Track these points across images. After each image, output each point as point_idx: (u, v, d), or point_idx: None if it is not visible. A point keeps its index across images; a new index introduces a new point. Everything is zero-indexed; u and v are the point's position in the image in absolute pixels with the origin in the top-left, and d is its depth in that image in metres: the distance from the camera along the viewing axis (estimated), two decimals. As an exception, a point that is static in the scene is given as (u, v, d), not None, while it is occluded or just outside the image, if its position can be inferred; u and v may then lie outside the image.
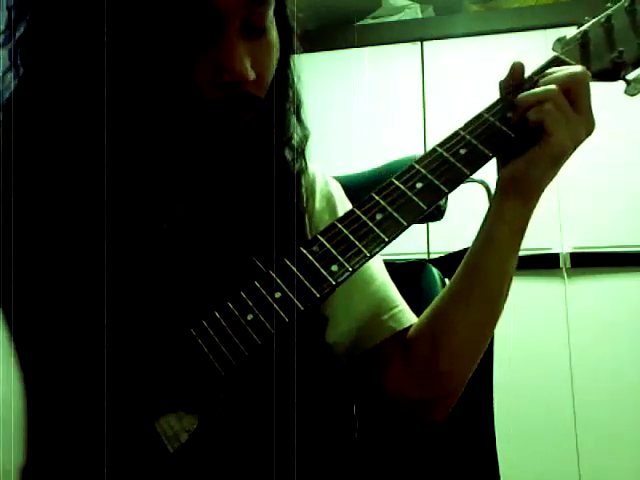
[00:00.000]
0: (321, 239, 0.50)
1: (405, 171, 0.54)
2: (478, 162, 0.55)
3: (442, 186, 0.53)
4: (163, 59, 0.49)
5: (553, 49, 0.61)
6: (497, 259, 0.59)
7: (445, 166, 0.54)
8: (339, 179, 0.74)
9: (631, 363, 1.84)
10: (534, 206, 0.58)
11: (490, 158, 0.55)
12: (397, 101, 2.11)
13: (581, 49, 0.60)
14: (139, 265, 0.51)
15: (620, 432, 1.83)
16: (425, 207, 0.52)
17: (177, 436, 0.45)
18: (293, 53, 0.61)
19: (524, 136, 0.56)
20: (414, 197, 0.52)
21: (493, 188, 1.04)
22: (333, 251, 0.50)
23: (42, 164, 0.51)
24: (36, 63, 0.52)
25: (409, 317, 0.66)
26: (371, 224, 0.51)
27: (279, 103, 0.60)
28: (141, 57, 0.49)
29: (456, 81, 2.07)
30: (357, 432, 0.65)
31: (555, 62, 0.60)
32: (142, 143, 0.53)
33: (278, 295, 0.48)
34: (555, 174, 0.56)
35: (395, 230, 0.51)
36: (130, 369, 0.46)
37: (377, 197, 0.52)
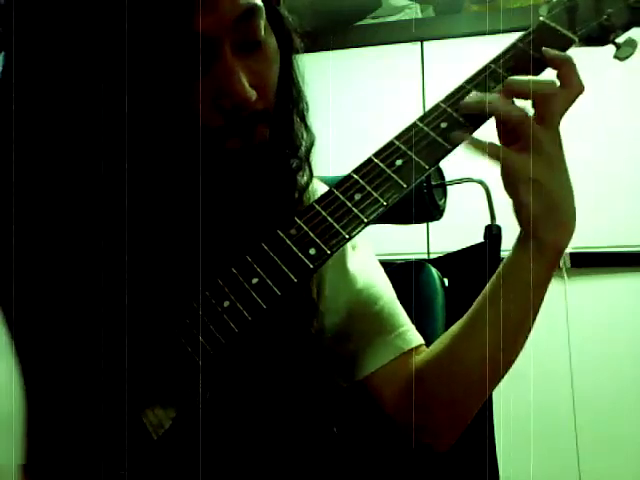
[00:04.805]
0: (299, 222, 0.48)
1: (384, 147, 0.52)
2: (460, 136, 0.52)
3: (423, 162, 0.50)
4: (159, 92, 0.47)
5: (539, 13, 0.58)
6: (521, 292, 0.56)
7: (425, 141, 0.51)
8: (336, 180, 0.73)
9: (631, 363, 1.84)
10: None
11: (473, 131, 0.52)
12: (397, 101, 2.10)
13: (568, 13, 0.57)
14: (118, 260, 0.50)
15: (620, 432, 1.83)
16: (405, 185, 0.49)
17: (161, 424, 0.46)
18: (296, 53, 0.59)
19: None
20: (393, 175, 0.50)
21: (492, 188, 1.04)
22: (311, 234, 0.48)
23: (39, 163, 0.51)
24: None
25: (417, 337, 0.65)
26: (349, 204, 0.48)
27: (285, 111, 0.58)
28: (136, 92, 0.47)
29: (456, 81, 2.06)
30: (336, 425, 0.65)
31: (541, 28, 0.56)
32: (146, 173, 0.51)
33: (255, 281, 0.47)
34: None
35: (374, 210, 0.48)
36: (116, 363, 0.46)
37: (355, 176, 0.50)
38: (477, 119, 0.52)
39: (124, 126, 0.48)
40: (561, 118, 0.52)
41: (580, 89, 0.52)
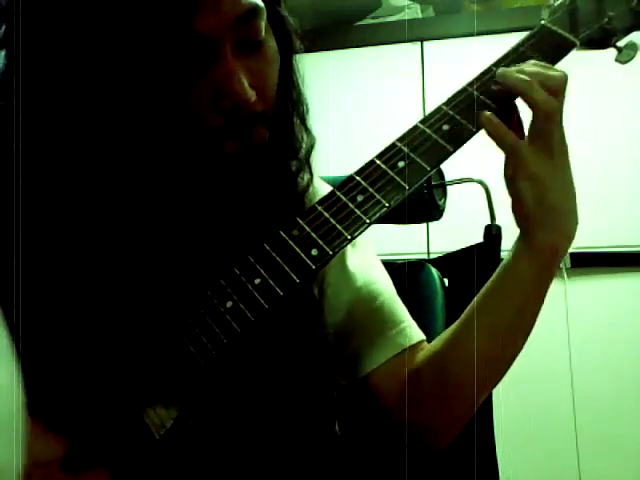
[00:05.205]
0: (301, 222, 0.49)
1: (386, 149, 0.52)
2: (462, 138, 0.52)
3: (424, 164, 0.51)
4: (159, 92, 0.47)
5: (541, 16, 0.59)
6: (517, 292, 0.56)
7: (427, 143, 0.52)
8: (337, 180, 0.73)
9: (631, 363, 1.84)
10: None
11: (474, 133, 0.53)
12: (397, 101, 2.10)
13: (569, 16, 0.58)
14: (121, 260, 0.51)
15: (620, 432, 1.83)
16: (407, 187, 0.50)
17: (163, 424, 0.46)
18: (295, 53, 0.58)
19: (508, 109, 0.53)
20: (396, 177, 0.50)
21: (492, 188, 1.05)
22: (313, 235, 0.48)
23: (38, 162, 0.51)
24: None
25: (417, 334, 0.65)
26: (352, 205, 0.49)
27: (285, 113, 0.58)
28: (136, 93, 0.47)
29: (456, 81, 2.06)
30: (338, 425, 0.65)
31: (543, 31, 0.57)
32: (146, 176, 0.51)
33: (257, 281, 0.47)
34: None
35: (377, 211, 0.49)
36: (118, 362, 0.47)
37: (358, 177, 0.51)
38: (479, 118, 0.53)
39: (124, 126, 0.48)
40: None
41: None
